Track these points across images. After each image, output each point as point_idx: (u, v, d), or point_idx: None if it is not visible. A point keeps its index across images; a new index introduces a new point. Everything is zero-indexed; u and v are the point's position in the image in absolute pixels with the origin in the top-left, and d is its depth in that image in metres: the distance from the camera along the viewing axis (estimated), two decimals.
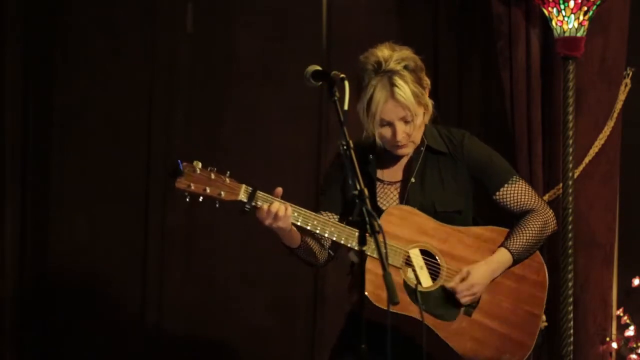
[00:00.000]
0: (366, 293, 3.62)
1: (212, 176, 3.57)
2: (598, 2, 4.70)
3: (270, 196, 3.65)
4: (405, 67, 3.78)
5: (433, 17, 5.30)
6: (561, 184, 4.83)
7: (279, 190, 3.65)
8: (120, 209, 5.37)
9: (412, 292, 3.73)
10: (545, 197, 4.95)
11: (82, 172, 5.38)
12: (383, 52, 3.79)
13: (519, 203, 3.98)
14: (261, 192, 3.63)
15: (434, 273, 3.83)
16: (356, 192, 3.35)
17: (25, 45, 5.33)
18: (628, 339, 4.96)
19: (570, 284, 4.77)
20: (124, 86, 5.38)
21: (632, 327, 4.96)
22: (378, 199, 3.88)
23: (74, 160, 5.39)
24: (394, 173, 3.92)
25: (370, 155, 3.88)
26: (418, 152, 3.90)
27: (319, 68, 3.68)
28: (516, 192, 3.98)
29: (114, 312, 5.33)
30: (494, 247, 3.92)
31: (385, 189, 3.90)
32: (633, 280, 5.00)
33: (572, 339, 4.77)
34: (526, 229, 3.95)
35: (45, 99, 5.40)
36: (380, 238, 3.25)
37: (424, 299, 3.71)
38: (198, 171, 3.55)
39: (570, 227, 4.76)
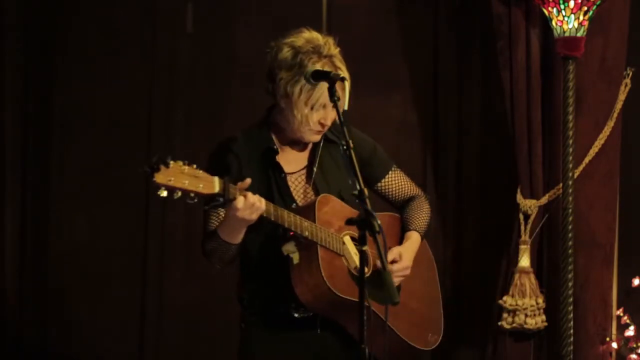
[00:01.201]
0: (325, 280, 3.60)
1: (187, 169, 3.47)
2: (598, 2, 4.71)
3: (239, 188, 3.56)
4: (340, 52, 3.76)
5: (433, 17, 5.30)
6: (561, 184, 4.83)
7: (248, 180, 3.56)
8: (120, 209, 5.37)
9: (355, 278, 3.67)
10: (545, 197, 4.96)
11: (82, 172, 5.38)
12: (315, 36, 3.75)
13: (402, 190, 3.97)
14: (231, 184, 3.54)
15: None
16: (356, 192, 3.36)
17: (25, 45, 5.33)
18: (628, 339, 4.96)
19: (570, 284, 4.77)
20: (124, 86, 5.38)
21: (632, 327, 4.96)
22: (292, 190, 3.79)
23: (74, 160, 5.39)
24: (293, 163, 3.82)
25: (275, 147, 3.79)
26: (318, 142, 3.83)
27: (319, 68, 3.68)
28: (399, 180, 3.97)
29: (114, 312, 5.33)
30: (395, 231, 3.92)
31: (292, 179, 3.80)
32: (633, 280, 5.01)
33: (572, 339, 4.77)
34: (423, 211, 3.96)
35: (45, 99, 5.40)
36: (380, 238, 3.25)
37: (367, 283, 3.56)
38: (173, 165, 3.43)
39: (570, 227, 4.77)
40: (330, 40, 3.76)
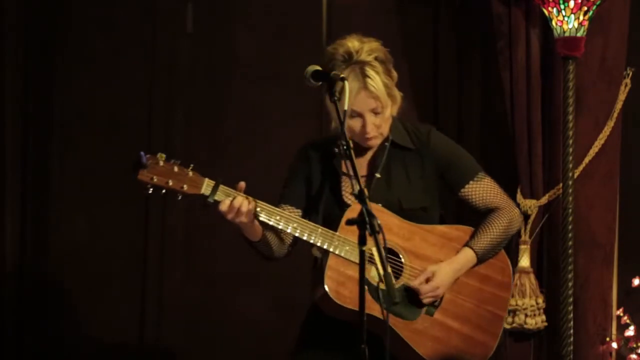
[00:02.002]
0: (326, 289, 3.62)
1: (175, 169, 3.54)
2: (598, 2, 4.71)
3: (234, 190, 3.61)
4: (376, 59, 3.73)
5: (433, 17, 5.30)
6: (561, 184, 4.83)
7: (242, 184, 3.62)
8: (120, 209, 5.37)
9: (374, 290, 3.66)
10: (545, 197, 4.96)
11: (82, 172, 5.38)
12: (353, 43, 3.74)
13: (484, 200, 3.90)
14: (224, 186, 3.60)
15: (397, 271, 3.77)
16: (356, 192, 3.36)
17: (25, 45, 5.33)
18: (628, 339, 4.96)
19: (570, 284, 4.77)
20: (124, 86, 5.38)
21: (632, 327, 4.96)
22: (343, 192, 3.82)
23: (74, 160, 5.39)
24: (358, 167, 3.76)
25: (336, 149, 3.80)
26: (382, 147, 3.84)
27: (319, 68, 3.68)
28: (482, 189, 3.90)
29: (114, 312, 5.33)
30: (459, 247, 3.86)
31: (350, 183, 3.80)
32: (633, 280, 5.01)
33: (572, 339, 4.77)
34: (491, 227, 3.87)
35: (45, 99, 5.40)
36: (380, 238, 3.25)
37: (385, 297, 3.54)
38: (161, 163, 3.52)
39: (570, 227, 4.77)
40: (367, 47, 3.73)
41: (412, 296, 3.78)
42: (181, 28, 5.41)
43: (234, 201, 3.58)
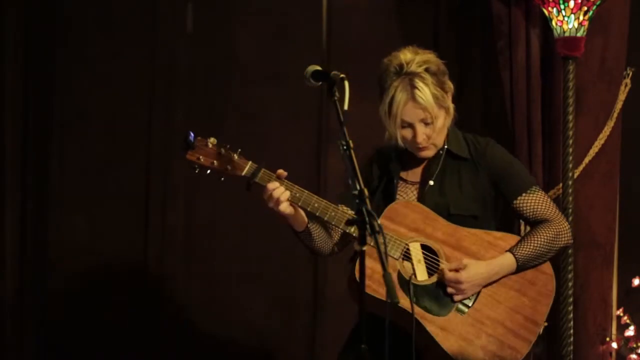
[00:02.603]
0: (355, 276, 3.67)
1: (222, 151, 3.76)
2: (598, 2, 4.71)
3: (273, 175, 3.75)
4: (427, 70, 3.83)
5: (433, 17, 5.30)
6: (561, 184, 4.83)
7: (281, 172, 3.75)
8: (120, 209, 5.37)
9: (405, 283, 3.75)
10: None
11: (82, 172, 5.38)
12: (406, 55, 3.86)
13: (535, 212, 3.97)
14: (266, 171, 3.76)
15: (432, 269, 3.84)
16: (356, 192, 3.36)
17: (25, 45, 5.33)
18: (628, 339, 4.96)
19: (570, 284, 4.77)
20: (124, 86, 5.38)
21: (632, 327, 4.96)
22: (398, 197, 3.92)
23: (74, 160, 5.39)
24: (415, 174, 3.97)
25: (393, 154, 3.93)
26: (438, 156, 3.94)
27: (319, 68, 3.69)
28: (533, 202, 3.97)
29: (114, 312, 5.33)
30: (498, 253, 3.90)
31: (406, 188, 3.95)
32: (633, 280, 5.01)
33: (572, 339, 4.77)
34: (536, 237, 3.92)
35: (45, 99, 5.40)
36: (380, 238, 3.25)
37: (415, 291, 3.74)
38: (210, 146, 3.76)
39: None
40: (417, 58, 3.84)
41: (444, 293, 3.83)
42: (181, 28, 5.41)
43: (275, 189, 3.72)
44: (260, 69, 5.39)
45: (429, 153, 3.92)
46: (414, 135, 3.84)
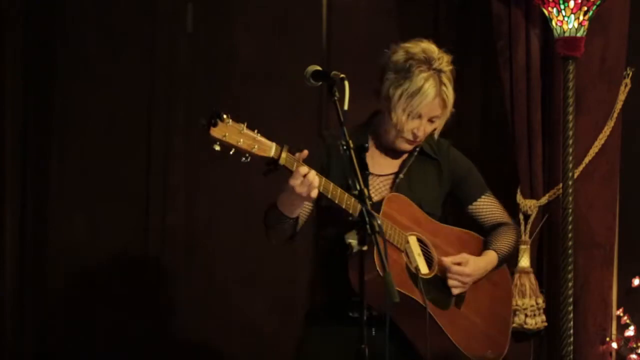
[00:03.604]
0: (376, 265, 3.60)
1: (244, 130, 3.48)
2: (598, 2, 4.70)
3: (297, 160, 3.58)
4: (451, 71, 3.86)
5: (433, 17, 5.30)
6: (561, 184, 4.83)
7: (305, 152, 3.60)
8: (120, 209, 5.37)
9: (414, 276, 3.76)
10: (545, 197, 4.96)
11: (82, 171, 5.38)
12: (432, 48, 3.86)
13: (493, 215, 4.07)
14: (289, 154, 3.57)
15: (429, 262, 3.86)
16: (356, 192, 3.36)
17: (25, 45, 5.33)
18: (628, 339, 4.96)
19: (570, 284, 4.77)
20: (124, 86, 5.38)
21: (632, 327, 4.96)
22: (371, 189, 3.88)
23: (74, 160, 5.39)
24: (383, 166, 3.93)
25: (366, 144, 3.82)
26: (411, 152, 3.94)
27: (319, 68, 3.69)
28: (491, 205, 4.08)
29: (114, 312, 5.33)
30: (471, 249, 3.96)
31: (373, 180, 3.90)
32: (633, 280, 5.00)
33: (572, 339, 4.77)
34: (508, 237, 4.05)
35: (45, 99, 5.40)
36: (379, 238, 3.26)
37: (423, 284, 3.75)
38: (231, 122, 3.45)
39: (570, 227, 4.77)
40: (446, 57, 3.86)
41: (443, 286, 3.87)
42: (181, 28, 5.41)
43: (308, 174, 3.55)
44: (260, 68, 5.39)
45: (410, 147, 3.90)
46: (417, 128, 3.83)
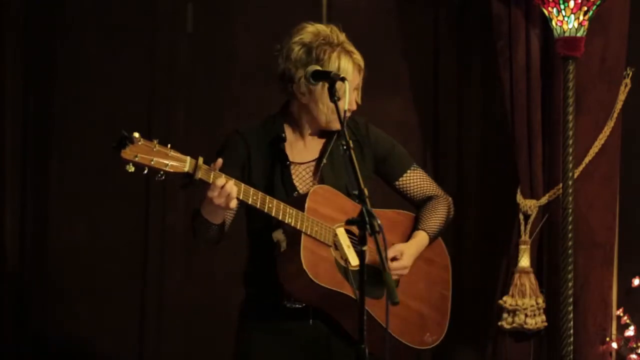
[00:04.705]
0: (305, 269, 3.62)
1: (156, 147, 3.48)
2: (598, 2, 4.71)
3: (215, 170, 3.56)
4: (346, 36, 3.81)
5: (433, 17, 5.30)
6: (561, 184, 4.83)
7: (219, 161, 3.57)
8: (120, 209, 5.37)
9: (343, 270, 3.72)
10: (545, 197, 4.96)
11: (82, 171, 5.38)
12: (319, 27, 3.80)
13: (421, 189, 4.01)
14: (205, 165, 3.55)
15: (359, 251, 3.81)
16: (356, 193, 3.36)
17: (25, 45, 5.33)
18: (628, 339, 4.96)
19: (570, 284, 4.77)
20: (124, 86, 5.38)
21: (632, 327, 4.96)
22: (293, 178, 3.83)
23: (74, 160, 5.39)
24: (303, 154, 3.86)
25: (283, 134, 3.83)
26: (331, 135, 3.86)
27: (319, 68, 3.69)
28: (418, 179, 4.01)
29: (114, 312, 5.33)
30: (404, 230, 3.94)
31: (297, 169, 3.84)
32: (633, 280, 5.01)
33: (572, 339, 4.77)
34: (437, 212, 3.99)
35: (45, 99, 5.40)
36: (380, 238, 3.25)
37: (353, 276, 3.68)
38: (141, 142, 3.46)
39: (570, 227, 4.77)
40: (335, 28, 3.80)
41: (375, 276, 3.73)
42: (181, 28, 5.41)
43: (226, 185, 3.54)
44: (260, 68, 5.38)
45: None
46: (350, 103, 3.75)
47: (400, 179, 3.99)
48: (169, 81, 5.40)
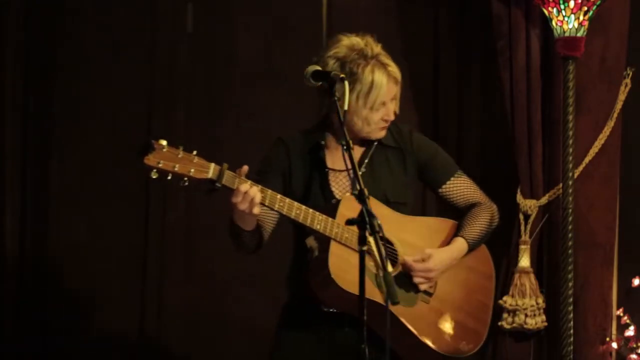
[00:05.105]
0: (332, 276, 3.63)
1: (180, 154, 3.55)
2: (598, 2, 4.71)
3: (239, 176, 3.60)
4: (382, 48, 3.85)
5: (433, 17, 5.30)
6: (561, 184, 4.83)
7: (245, 168, 3.62)
8: (120, 209, 5.37)
9: (374, 277, 3.68)
10: (545, 197, 4.96)
11: (82, 171, 5.38)
12: (354, 40, 3.83)
13: (464, 196, 4.03)
14: (230, 172, 3.59)
15: (393, 260, 3.83)
16: (356, 192, 3.36)
17: (26, 45, 5.33)
18: (628, 339, 4.96)
19: (570, 284, 4.77)
20: (124, 86, 5.38)
21: (632, 327, 4.96)
22: (331, 185, 3.88)
23: (74, 160, 5.39)
24: (341, 162, 3.83)
25: (322, 142, 3.88)
26: (370, 145, 3.91)
27: (319, 68, 3.69)
28: (462, 186, 4.03)
29: (114, 312, 5.33)
30: (444, 237, 3.95)
31: (336, 176, 3.89)
32: (633, 280, 5.00)
33: (572, 339, 4.77)
34: (479, 219, 3.99)
35: (45, 99, 5.40)
36: (379, 238, 3.26)
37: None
38: (166, 149, 3.53)
39: (570, 227, 4.77)
40: (370, 40, 3.84)
41: (408, 283, 3.83)
42: (181, 28, 5.41)
43: (249, 191, 3.58)
44: (260, 68, 5.39)
45: (385, 132, 3.90)
46: (387, 113, 3.83)
47: (444, 186, 4.01)
48: (169, 81, 5.39)
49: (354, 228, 3.67)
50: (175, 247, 5.38)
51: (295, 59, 5.15)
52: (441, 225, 3.99)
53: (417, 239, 3.89)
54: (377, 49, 3.82)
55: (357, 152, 3.91)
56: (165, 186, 5.36)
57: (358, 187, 3.38)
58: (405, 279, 3.83)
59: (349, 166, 3.46)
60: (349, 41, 3.82)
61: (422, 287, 3.85)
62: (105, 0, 5.41)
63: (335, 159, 3.89)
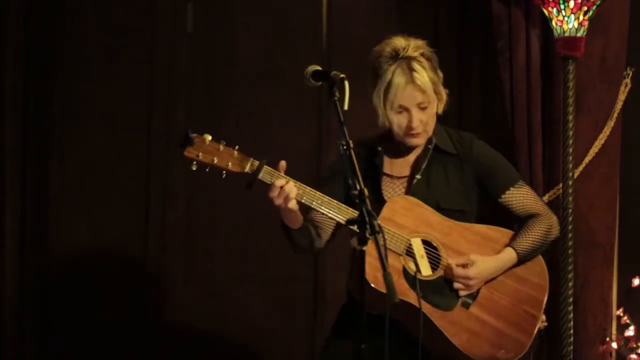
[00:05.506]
0: (365, 276, 3.64)
1: (221, 148, 3.66)
2: (598, 2, 4.71)
3: (277, 172, 3.67)
4: (422, 55, 3.85)
5: (433, 17, 5.30)
6: (561, 184, 4.83)
7: (283, 163, 3.69)
8: (120, 209, 5.37)
9: (411, 279, 3.76)
10: (545, 197, 4.96)
11: (82, 172, 5.38)
12: (399, 41, 3.85)
13: (524, 206, 4.01)
14: (268, 167, 3.68)
15: (435, 264, 3.85)
16: (356, 192, 3.36)
17: (26, 45, 5.33)
18: (628, 339, 4.96)
19: (570, 284, 4.77)
20: (124, 86, 5.38)
21: (632, 327, 4.96)
22: (383, 191, 3.91)
23: (73, 160, 5.39)
24: (401, 168, 3.96)
25: (379, 147, 3.92)
26: (425, 150, 3.94)
27: (319, 68, 3.69)
28: (522, 196, 4.02)
29: (114, 312, 5.33)
30: (497, 247, 3.94)
31: (392, 182, 3.94)
32: (633, 280, 5.01)
33: (572, 339, 4.77)
34: (532, 231, 3.97)
35: (45, 99, 5.40)
36: (380, 238, 3.25)
37: (422, 286, 3.74)
38: (207, 142, 3.65)
39: (570, 227, 4.77)
40: (413, 44, 3.85)
41: (449, 287, 3.85)
42: (181, 28, 5.41)
43: (285, 186, 3.65)
44: (260, 68, 5.39)
45: (420, 141, 3.91)
46: (410, 120, 3.84)
47: (503, 195, 4.00)
48: (169, 81, 5.40)
49: (397, 230, 3.78)
50: (175, 247, 5.38)
51: (295, 59, 5.17)
52: (496, 234, 3.97)
53: (466, 245, 3.89)
54: (415, 53, 3.82)
55: (412, 156, 3.95)
56: (166, 186, 5.36)
57: (358, 187, 3.37)
58: (446, 283, 3.85)
59: (350, 166, 3.46)
60: (396, 40, 3.86)
61: (461, 293, 3.85)
62: (105, 0, 5.41)
63: (394, 166, 3.94)
